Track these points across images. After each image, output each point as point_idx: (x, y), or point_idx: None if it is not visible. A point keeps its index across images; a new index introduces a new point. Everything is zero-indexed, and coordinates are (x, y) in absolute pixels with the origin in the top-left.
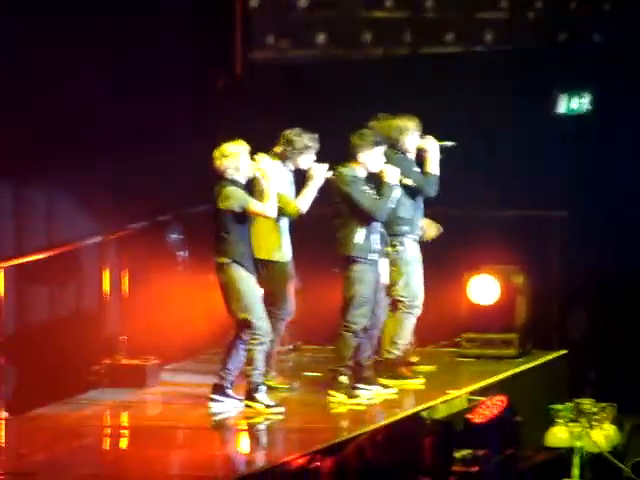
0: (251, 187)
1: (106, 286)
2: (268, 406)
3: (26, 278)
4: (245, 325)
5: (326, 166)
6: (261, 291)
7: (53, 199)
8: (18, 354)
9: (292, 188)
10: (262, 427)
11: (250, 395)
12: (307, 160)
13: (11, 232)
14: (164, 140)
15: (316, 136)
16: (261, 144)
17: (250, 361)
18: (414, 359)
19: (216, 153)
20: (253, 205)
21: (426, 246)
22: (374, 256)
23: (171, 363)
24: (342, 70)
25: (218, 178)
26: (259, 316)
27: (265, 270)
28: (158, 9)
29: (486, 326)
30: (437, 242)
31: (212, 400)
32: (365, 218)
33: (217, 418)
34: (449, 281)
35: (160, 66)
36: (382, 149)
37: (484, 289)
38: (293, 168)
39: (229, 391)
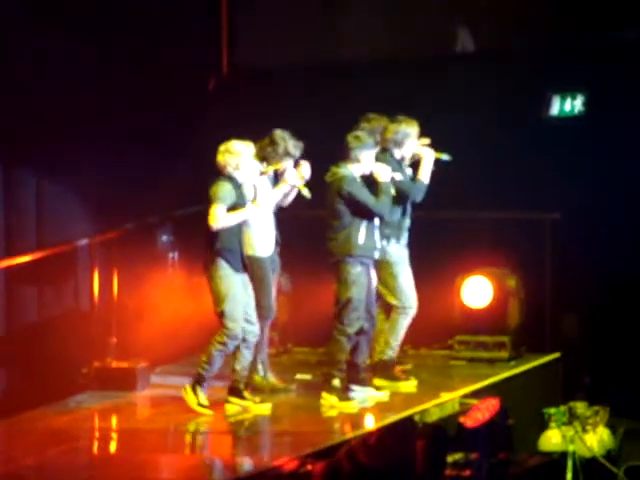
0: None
1: (96, 288)
2: (200, 404)
3: (15, 279)
4: (220, 322)
5: (295, 173)
6: (248, 292)
7: (42, 200)
8: (6, 356)
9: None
10: (252, 431)
11: (193, 386)
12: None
13: (0, 233)
14: (153, 142)
15: (300, 144)
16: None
17: (207, 355)
18: None
19: (221, 147)
20: (213, 207)
21: (419, 248)
22: (376, 254)
23: (161, 366)
24: (327, 73)
25: (217, 173)
26: (233, 318)
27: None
28: (144, 14)
29: (479, 329)
30: (430, 245)
31: (228, 402)
32: (367, 217)
33: (207, 422)
34: (442, 284)
35: (146, 69)
36: (374, 151)
37: (477, 292)
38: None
39: (245, 393)
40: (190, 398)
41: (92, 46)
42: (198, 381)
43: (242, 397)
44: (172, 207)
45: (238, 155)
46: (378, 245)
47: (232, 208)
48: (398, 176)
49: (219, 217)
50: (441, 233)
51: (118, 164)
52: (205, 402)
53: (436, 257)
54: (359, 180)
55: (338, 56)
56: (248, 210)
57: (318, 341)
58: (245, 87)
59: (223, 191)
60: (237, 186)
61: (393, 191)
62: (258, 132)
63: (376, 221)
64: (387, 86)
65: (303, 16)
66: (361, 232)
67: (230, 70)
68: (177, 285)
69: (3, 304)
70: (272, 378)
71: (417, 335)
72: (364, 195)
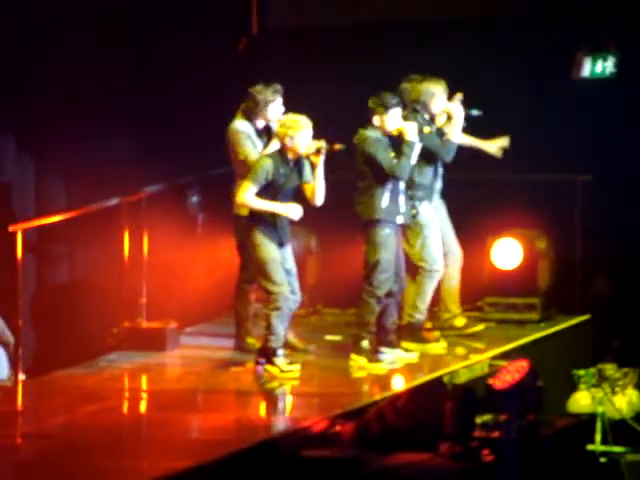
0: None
1: (126, 249)
2: (283, 371)
3: (46, 240)
4: (266, 289)
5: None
6: (289, 263)
7: (74, 161)
8: (37, 316)
9: (260, 144)
10: (282, 391)
11: (269, 359)
12: (274, 111)
13: (31, 193)
14: (183, 103)
15: (279, 87)
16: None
17: (267, 326)
18: (461, 322)
19: (282, 119)
20: (245, 183)
21: (449, 210)
22: (400, 219)
23: (191, 326)
24: (357, 32)
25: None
26: (276, 282)
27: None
28: None
29: (509, 290)
30: (460, 206)
31: (258, 363)
32: (388, 179)
33: (236, 382)
34: (472, 245)
35: (176, 30)
36: (399, 110)
37: (507, 253)
38: (262, 125)
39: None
40: (274, 371)
41: (124, 10)
42: (269, 356)
43: (272, 361)
44: (202, 168)
45: (296, 130)
46: (402, 210)
47: (268, 185)
48: (427, 129)
49: (247, 197)
50: (471, 195)
51: (148, 124)
52: (286, 367)
53: (466, 219)
54: (385, 141)
55: (371, 16)
56: (279, 207)
57: (348, 302)
58: (276, 47)
59: (260, 169)
60: (283, 163)
61: (419, 149)
62: (290, 93)
63: (401, 185)
64: (417, 47)
65: None
66: (385, 196)
67: (261, 30)
68: (206, 246)
69: (34, 264)
70: (292, 338)
71: None
72: (381, 156)
